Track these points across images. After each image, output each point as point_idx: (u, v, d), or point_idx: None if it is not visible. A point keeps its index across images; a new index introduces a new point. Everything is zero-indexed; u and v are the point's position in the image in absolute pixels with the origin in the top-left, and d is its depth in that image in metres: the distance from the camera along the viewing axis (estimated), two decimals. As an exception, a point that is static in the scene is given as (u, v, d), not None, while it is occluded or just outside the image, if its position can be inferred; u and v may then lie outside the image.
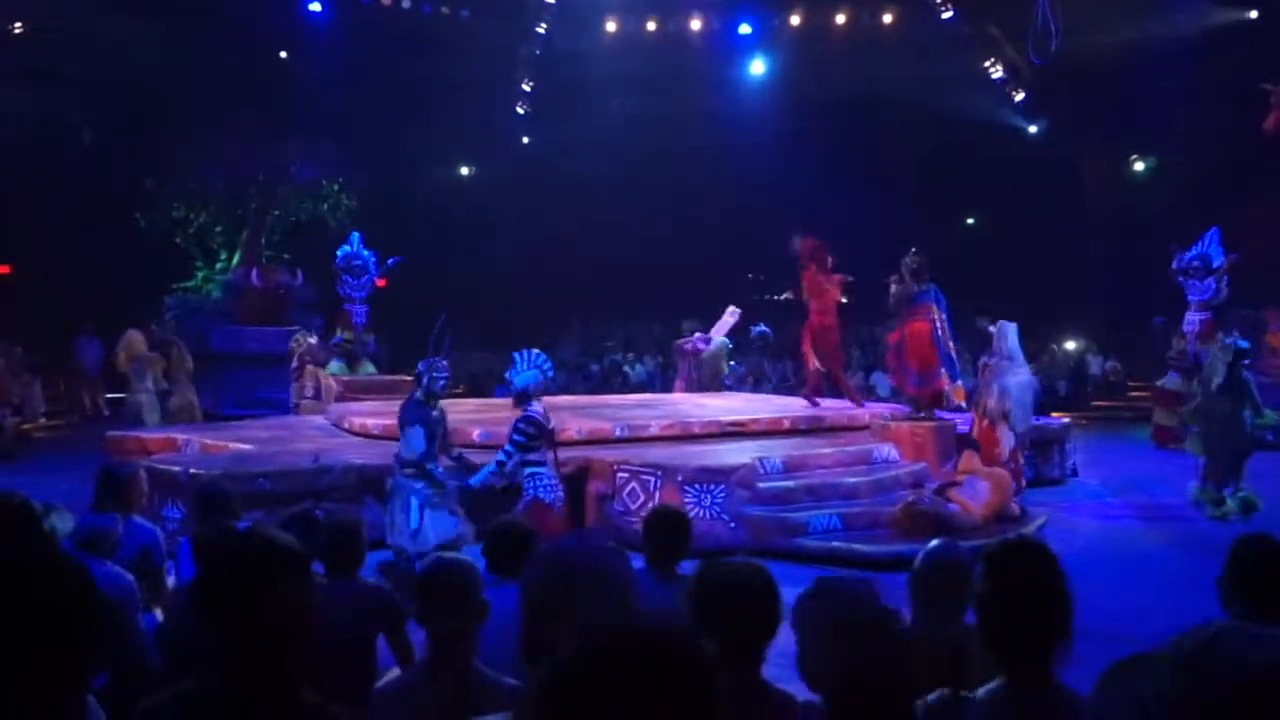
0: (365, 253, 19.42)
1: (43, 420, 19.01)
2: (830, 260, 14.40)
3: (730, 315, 18.24)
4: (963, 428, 12.60)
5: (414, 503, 8.60)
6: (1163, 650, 1.40)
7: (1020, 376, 12.05)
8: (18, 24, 21.06)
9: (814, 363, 14.53)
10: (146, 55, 20.79)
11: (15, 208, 21.13)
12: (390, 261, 19.43)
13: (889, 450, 12.21)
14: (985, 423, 11.90)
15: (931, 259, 13.10)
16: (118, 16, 20.31)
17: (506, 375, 8.94)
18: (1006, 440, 11.72)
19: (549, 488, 8.39)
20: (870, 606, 2.50)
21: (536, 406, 8.46)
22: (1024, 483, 12.23)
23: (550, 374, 8.92)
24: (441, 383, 8.95)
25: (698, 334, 18.51)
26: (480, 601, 3.17)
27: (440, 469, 8.84)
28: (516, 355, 8.79)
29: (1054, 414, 17.38)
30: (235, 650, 2.20)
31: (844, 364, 15.74)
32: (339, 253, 19.40)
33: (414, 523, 8.46)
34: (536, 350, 8.81)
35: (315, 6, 22.85)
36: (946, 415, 13.23)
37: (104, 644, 1.77)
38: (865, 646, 2.37)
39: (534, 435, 8.37)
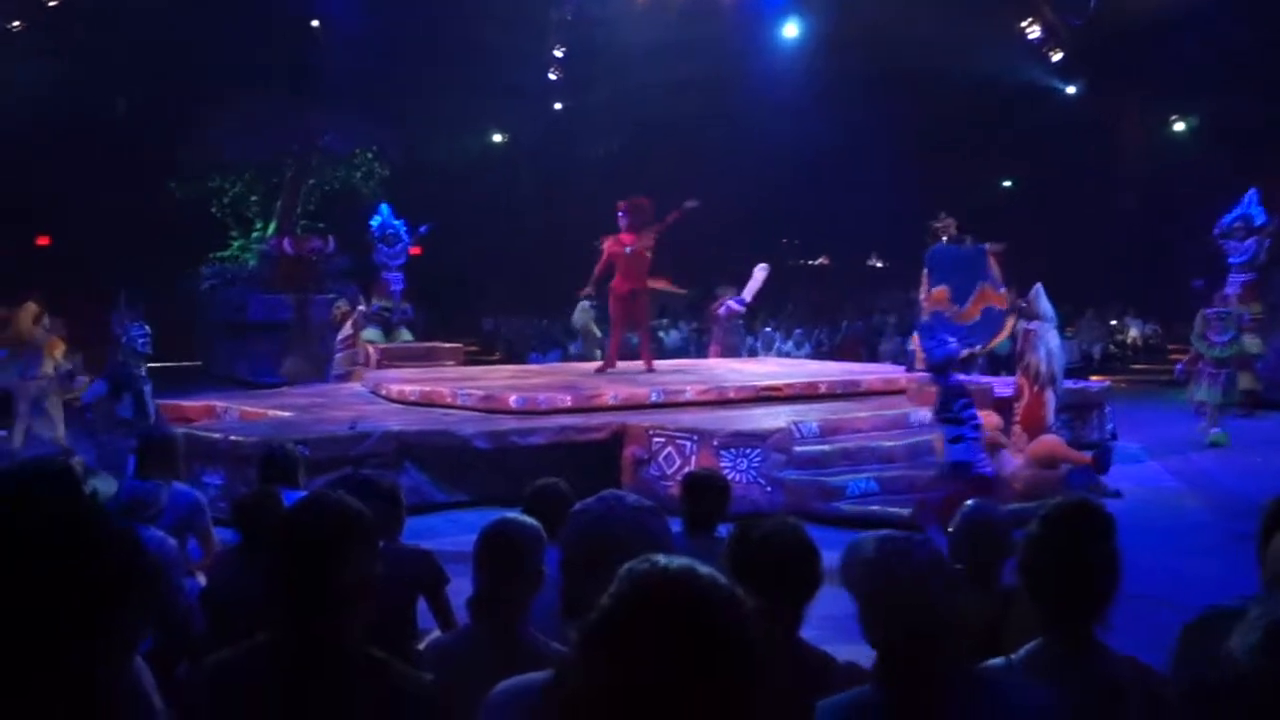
0: (396, 222, 19.59)
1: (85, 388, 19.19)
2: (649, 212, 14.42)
3: (760, 272, 18.25)
4: (1003, 391, 12.55)
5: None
6: (1252, 621, 1.39)
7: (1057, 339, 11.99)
8: None
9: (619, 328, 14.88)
10: (179, 26, 20.83)
11: (54, 181, 21.30)
12: (421, 229, 19.59)
13: (926, 414, 12.15)
14: (1034, 388, 11.82)
15: (969, 221, 13.07)
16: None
17: (923, 345, 9.09)
18: (1051, 404, 11.65)
19: (974, 449, 8.58)
20: (938, 563, 2.48)
21: (955, 376, 8.71)
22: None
23: (976, 346, 9.13)
24: (142, 342, 9.10)
25: (731, 297, 18.49)
26: (536, 569, 3.14)
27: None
28: (929, 328, 8.91)
29: (1092, 377, 17.23)
30: (305, 608, 2.34)
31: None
32: (372, 223, 19.57)
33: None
34: (950, 320, 9.03)
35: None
36: (983, 379, 13.17)
37: (151, 606, 1.80)
38: (931, 604, 2.35)
39: (968, 401, 8.51)
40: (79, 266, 21.59)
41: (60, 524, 1.72)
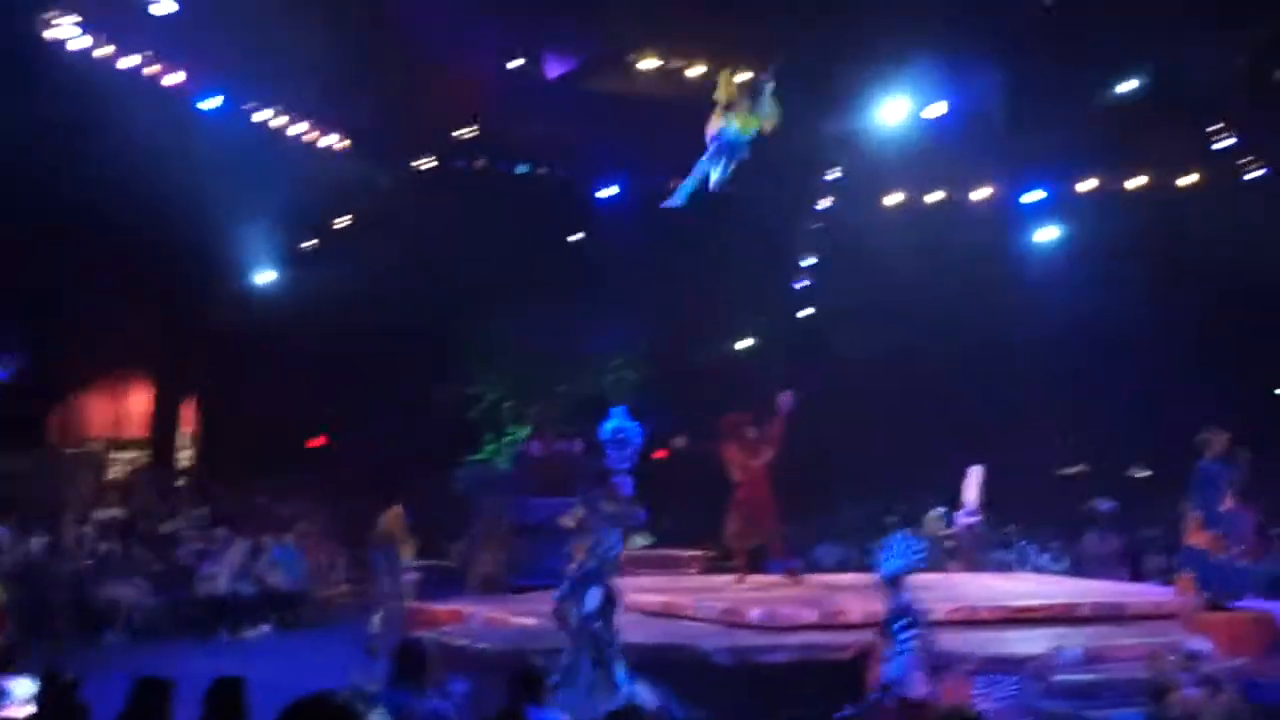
0: (629, 424, 19.86)
1: (344, 588, 20.01)
2: (750, 430, 15.32)
3: (972, 474, 17.64)
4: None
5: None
6: None
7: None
8: (347, 216, 23.33)
9: (737, 541, 15.20)
10: (447, 238, 22.36)
11: (330, 384, 22.81)
12: None
13: (1201, 643, 11.22)
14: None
15: (1245, 431, 12.27)
16: (421, 202, 22.16)
17: (878, 556, 9.16)
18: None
19: (906, 668, 8.41)
20: None
21: (906, 593, 8.65)
22: None
23: (923, 561, 9.11)
24: (615, 551, 9.26)
25: (962, 513, 17.82)
26: None
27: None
28: (889, 540, 8.99)
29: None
30: None
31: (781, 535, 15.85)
32: (605, 426, 19.94)
33: (620, 680, 8.81)
34: (910, 535, 9.10)
35: (610, 191, 24.14)
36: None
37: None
38: None
39: (910, 622, 8.47)
40: (352, 467, 22.85)
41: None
